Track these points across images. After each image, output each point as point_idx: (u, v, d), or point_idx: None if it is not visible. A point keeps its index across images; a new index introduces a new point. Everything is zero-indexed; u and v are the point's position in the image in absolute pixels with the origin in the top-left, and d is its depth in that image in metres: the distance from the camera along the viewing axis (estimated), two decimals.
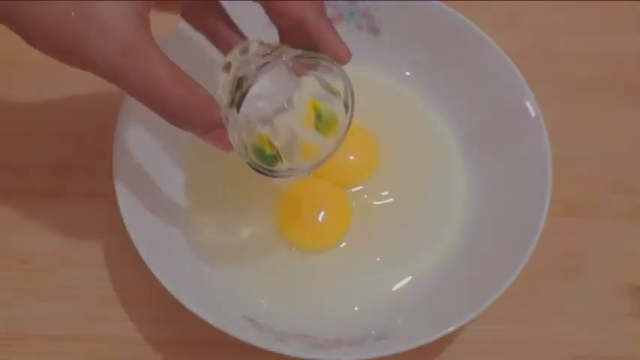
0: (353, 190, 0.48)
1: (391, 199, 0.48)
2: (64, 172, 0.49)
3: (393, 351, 0.39)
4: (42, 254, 0.46)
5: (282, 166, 0.39)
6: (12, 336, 0.44)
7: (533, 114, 0.46)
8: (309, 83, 0.39)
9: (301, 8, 0.37)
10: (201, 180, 0.47)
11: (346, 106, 0.38)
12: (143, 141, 0.45)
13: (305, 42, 0.38)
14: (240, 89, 0.35)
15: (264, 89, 0.38)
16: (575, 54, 0.56)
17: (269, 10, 0.38)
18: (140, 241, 0.40)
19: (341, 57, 0.38)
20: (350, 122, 0.39)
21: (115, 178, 0.42)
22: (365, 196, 0.48)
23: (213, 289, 0.43)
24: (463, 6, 0.49)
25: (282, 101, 0.39)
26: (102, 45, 0.33)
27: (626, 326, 0.46)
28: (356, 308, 0.44)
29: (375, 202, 0.47)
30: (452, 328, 0.39)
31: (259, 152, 0.38)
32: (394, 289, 0.45)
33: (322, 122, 0.40)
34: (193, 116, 0.35)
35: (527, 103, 0.46)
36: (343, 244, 0.46)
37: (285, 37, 0.39)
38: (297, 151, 0.40)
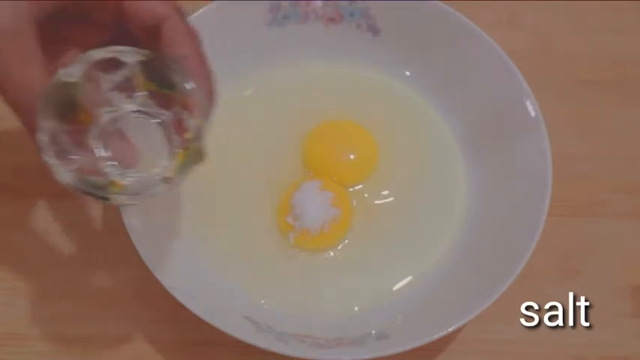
0: (353, 189, 0.48)
1: (391, 199, 0.48)
2: None
3: (393, 351, 0.39)
4: (42, 254, 0.46)
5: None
6: (12, 336, 0.44)
7: (533, 114, 0.46)
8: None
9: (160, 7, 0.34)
10: (202, 180, 0.47)
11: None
12: None
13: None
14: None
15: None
16: (575, 54, 0.56)
17: (122, 14, 0.35)
18: (140, 241, 0.40)
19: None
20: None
21: None
22: (365, 195, 0.47)
23: (213, 289, 0.43)
24: (463, 6, 0.49)
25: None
26: None
27: (626, 326, 0.46)
28: (356, 308, 0.44)
29: (376, 202, 0.47)
30: (452, 328, 0.39)
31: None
32: (394, 289, 0.45)
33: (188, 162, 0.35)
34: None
35: (527, 103, 0.46)
36: (343, 244, 0.46)
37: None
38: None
